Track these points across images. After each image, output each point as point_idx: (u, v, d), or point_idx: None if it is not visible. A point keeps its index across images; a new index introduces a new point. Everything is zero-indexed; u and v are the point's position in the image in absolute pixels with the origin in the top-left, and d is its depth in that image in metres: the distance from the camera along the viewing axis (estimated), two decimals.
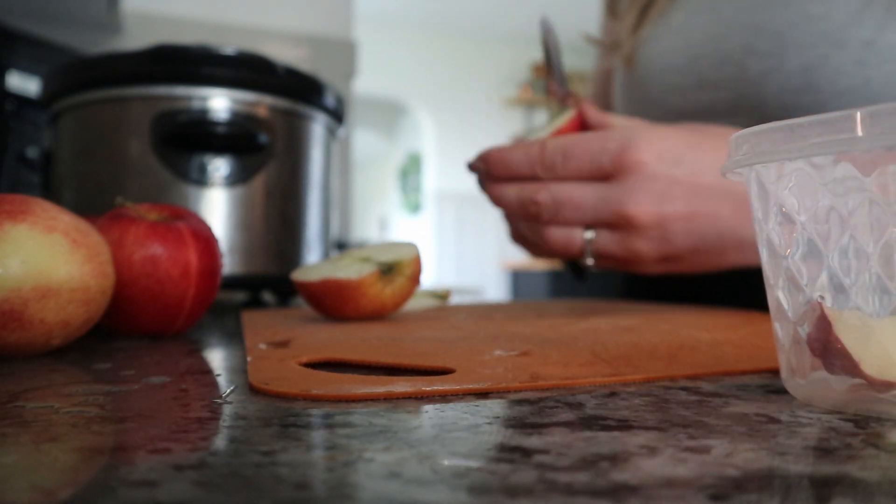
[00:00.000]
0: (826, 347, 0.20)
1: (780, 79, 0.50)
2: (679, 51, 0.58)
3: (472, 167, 0.49)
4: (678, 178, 0.42)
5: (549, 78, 0.52)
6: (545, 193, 0.44)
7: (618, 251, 0.44)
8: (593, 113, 0.49)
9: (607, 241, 0.44)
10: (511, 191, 0.46)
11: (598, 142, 0.43)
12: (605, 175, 0.43)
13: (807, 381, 0.21)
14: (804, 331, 0.20)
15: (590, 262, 0.45)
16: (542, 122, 4.73)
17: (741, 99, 0.53)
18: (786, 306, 0.21)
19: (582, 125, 0.49)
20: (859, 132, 0.18)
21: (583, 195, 0.43)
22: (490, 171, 0.47)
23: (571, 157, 0.43)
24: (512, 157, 0.45)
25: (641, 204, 0.42)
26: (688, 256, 0.44)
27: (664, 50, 0.59)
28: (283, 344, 0.31)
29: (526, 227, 0.47)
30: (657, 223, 0.42)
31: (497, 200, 0.47)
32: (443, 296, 0.49)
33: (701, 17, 0.57)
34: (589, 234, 0.44)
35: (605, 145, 0.42)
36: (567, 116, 0.49)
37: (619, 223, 0.43)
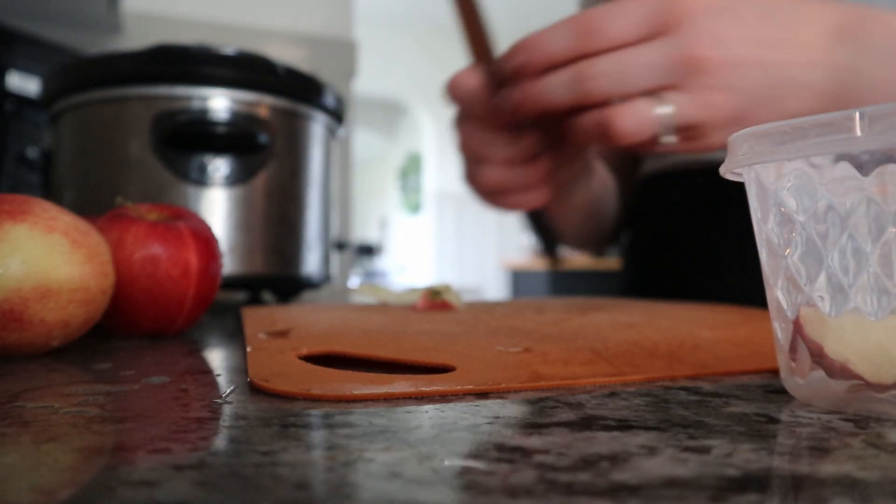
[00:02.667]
0: (812, 351, 0.20)
1: None
2: None
3: (499, 68, 0.42)
4: (729, 26, 0.40)
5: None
6: (603, 64, 0.39)
7: (695, 112, 0.41)
8: None
9: (683, 104, 0.41)
10: (558, 78, 0.40)
11: (641, 1, 0.40)
12: (656, 33, 0.40)
13: (806, 381, 0.21)
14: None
15: (668, 139, 0.42)
16: None
17: None
18: (785, 306, 0.21)
19: None
20: (858, 132, 0.18)
21: (644, 53, 0.40)
22: (530, 60, 0.41)
23: (619, 19, 0.40)
24: (552, 35, 0.40)
25: (705, 47, 0.39)
26: (755, 109, 0.41)
27: None
28: (282, 333, 0.31)
29: (585, 124, 0.42)
30: (725, 64, 0.40)
31: (540, 96, 0.41)
32: (443, 291, 0.49)
33: None
34: (665, 109, 0.41)
35: (649, 2, 0.40)
36: None
37: (687, 72, 0.40)
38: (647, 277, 0.68)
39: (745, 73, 0.41)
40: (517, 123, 0.45)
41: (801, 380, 0.21)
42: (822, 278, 0.19)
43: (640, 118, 0.41)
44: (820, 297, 0.20)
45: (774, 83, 0.41)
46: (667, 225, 0.64)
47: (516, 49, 0.42)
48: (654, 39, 0.40)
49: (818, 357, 0.20)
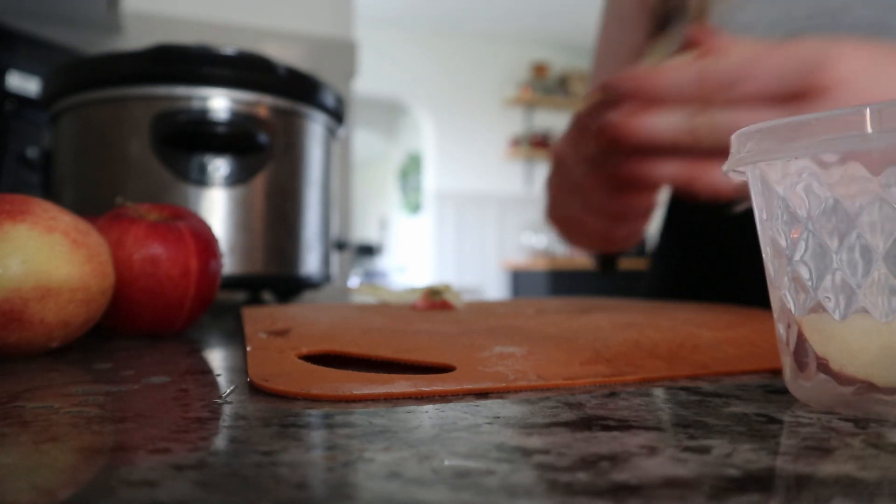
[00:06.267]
0: (818, 360, 0.20)
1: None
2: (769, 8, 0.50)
3: (607, 88, 0.40)
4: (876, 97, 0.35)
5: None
6: (727, 117, 0.36)
7: None
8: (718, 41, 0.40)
9: None
10: (669, 119, 0.38)
11: (785, 57, 0.36)
12: (788, 97, 0.36)
13: (812, 383, 0.20)
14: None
15: (741, 207, 0.38)
16: (543, 122, 4.74)
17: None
18: (791, 307, 0.21)
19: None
20: (869, 129, 0.17)
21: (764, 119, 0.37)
22: (639, 93, 0.39)
23: (752, 76, 0.36)
24: (673, 77, 0.38)
25: None
26: None
27: (752, 17, 0.51)
28: (282, 332, 0.31)
29: (672, 171, 0.39)
30: None
31: (642, 130, 0.39)
32: (443, 291, 0.50)
33: None
34: None
35: (794, 62, 0.36)
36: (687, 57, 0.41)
37: None
38: (679, 279, 0.67)
39: None
40: (602, 152, 0.43)
41: (806, 382, 0.21)
42: (829, 279, 0.19)
43: (735, 185, 0.37)
44: (827, 297, 0.19)
45: None
46: (701, 228, 0.63)
47: (633, 78, 0.39)
48: (790, 103, 0.36)
49: (824, 365, 0.20)
